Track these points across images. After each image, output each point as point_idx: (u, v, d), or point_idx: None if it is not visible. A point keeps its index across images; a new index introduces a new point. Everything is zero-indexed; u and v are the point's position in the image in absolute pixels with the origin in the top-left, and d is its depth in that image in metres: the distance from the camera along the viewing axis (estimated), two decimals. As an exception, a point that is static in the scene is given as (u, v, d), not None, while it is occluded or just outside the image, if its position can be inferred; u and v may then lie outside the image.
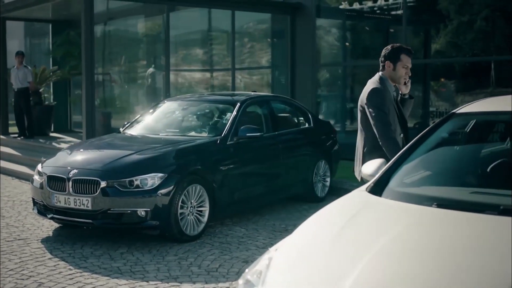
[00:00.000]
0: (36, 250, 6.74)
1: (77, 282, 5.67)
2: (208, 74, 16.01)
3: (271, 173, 8.50)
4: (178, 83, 15.31)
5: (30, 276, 5.86)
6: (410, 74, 5.24)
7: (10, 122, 15.80)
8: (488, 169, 4.13)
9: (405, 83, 5.24)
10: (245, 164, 8.01)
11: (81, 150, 7.69)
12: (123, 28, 16.83)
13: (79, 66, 13.98)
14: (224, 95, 10.26)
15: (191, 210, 7.07)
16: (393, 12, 14.14)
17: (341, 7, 15.04)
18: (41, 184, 7.23)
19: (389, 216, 3.24)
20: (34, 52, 24.40)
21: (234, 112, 8.15)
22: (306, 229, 3.29)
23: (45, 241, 7.11)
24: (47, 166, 7.36)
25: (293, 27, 14.72)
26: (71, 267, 6.12)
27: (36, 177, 7.47)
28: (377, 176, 3.79)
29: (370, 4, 14.38)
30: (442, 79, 14.45)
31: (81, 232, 7.38)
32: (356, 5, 14.49)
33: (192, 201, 7.10)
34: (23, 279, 5.76)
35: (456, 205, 3.26)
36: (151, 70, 15.15)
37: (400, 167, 3.85)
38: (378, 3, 14.15)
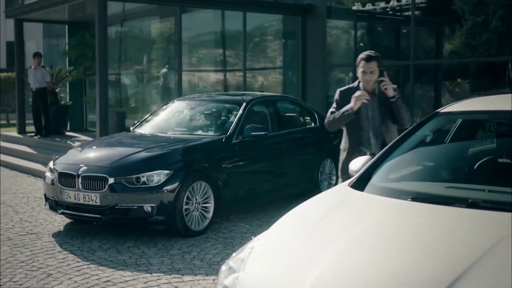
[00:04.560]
0: (47, 243, 7.03)
1: (83, 274, 5.94)
2: (220, 75, 16.27)
3: (276, 171, 8.72)
4: (190, 83, 15.58)
5: (40, 267, 6.14)
6: (382, 78, 5.51)
7: (27, 121, 16.17)
8: (468, 166, 4.33)
9: (386, 88, 5.49)
10: (250, 162, 8.24)
11: (91, 148, 7.96)
12: (136, 29, 17.13)
13: (93, 67, 14.30)
14: (231, 95, 10.50)
15: (196, 206, 7.32)
16: (403, 13, 14.28)
17: (353, 8, 15.23)
18: (53, 180, 7.52)
19: (365, 208, 3.46)
20: (52, 52, 24.79)
21: (240, 112, 8.38)
22: (287, 220, 3.52)
23: (56, 235, 7.39)
24: (59, 163, 7.65)
25: (304, 28, 14.94)
26: (79, 260, 6.39)
27: (48, 173, 7.76)
28: (359, 172, 4.01)
29: (381, 5, 14.55)
30: (458, 79, 14.56)
31: (91, 227, 7.65)
32: (367, 6, 14.67)
33: (197, 197, 7.34)
34: (33, 271, 6.04)
35: (429, 199, 3.47)
36: (164, 70, 15.42)
37: (383, 163, 4.06)
38: (390, 4, 14.31)
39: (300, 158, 9.11)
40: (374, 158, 4.15)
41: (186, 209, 7.18)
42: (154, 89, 16.24)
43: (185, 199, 7.15)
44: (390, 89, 5.48)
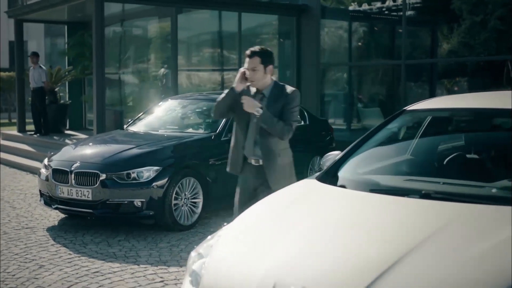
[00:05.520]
0: (41, 237, 7.29)
1: (74, 265, 6.20)
2: (216, 74, 16.51)
3: (265, 168, 8.94)
4: (187, 83, 15.82)
5: (33, 259, 6.41)
6: (243, 98, 5.06)
7: (27, 120, 16.45)
8: (436, 161, 4.58)
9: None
10: (239, 159, 8.47)
11: (84, 145, 8.24)
12: (133, 29, 17.38)
13: (91, 66, 14.57)
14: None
15: (185, 202, 7.58)
16: (398, 13, 14.49)
17: (345, 7, 15.49)
18: (47, 176, 7.79)
19: (326, 199, 3.71)
20: (54, 52, 25.05)
21: (230, 110, 8.61)
22: (254, 210, 3.78)
23: (50, 229, 7.66)
24: (53, 160, 7.92)
25: (299, 28, 15.17)
26: (71, 252, 6.66)
27: (43, 170, 8.03)
28: (327, 166, 4.26)
29: (376, 5, 14.76)
30: (457, 78, 14.74)
31: (85, 222, 7.91)
32: (361, 6, 14.90)
33: (186, 193, 7.60)
34: (26, 262, 6.30)
35: (387, 190, 3.72)
36: (162, 70, 15.66)
37: (350, 158, 4.31)
38: (384, 4, 14.53)
39: (290, 155, 9.32)
40: (342, 153, 4.39)
41: (175, 204, 7.43)
42: (152, 88, 16.47)
43: (174, 195, 7.41)
44: (248, 107, 5.00)
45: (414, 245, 2.89)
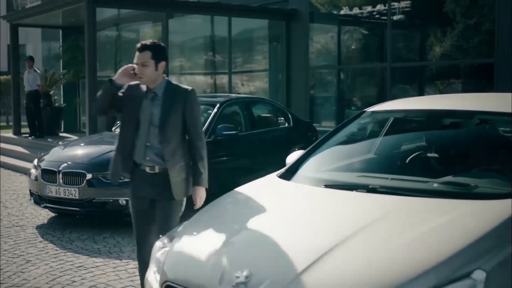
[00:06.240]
0: (30, 235, 7.60)
1: (59, 260, 6.52)
2: (206, 78, 16.83)
3: (248, 168, 9.25)
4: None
5: (21, 255, 6.72)
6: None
7: (22, 123, 16.77)
8: (396, 160, 4.88)
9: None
10: (222, 160, 8.80)
11: (73, 146, 8.57)
12: (126, 34, 17.69)
13: (83, 70, 14.89)
14: (207, 96, 11.07)
15: (168, 200, 7.87)
16: (385, 17, 14.79)
17: (335, 12, 15.80)
18: (36, 176, 8.11)
19: (280, 193, 4.04)
20: (50, 56, 25.38)
21: (213, 112, 8.94)
22: (216, 203, 4.11)
23: (40, 227, 7.97)
24: (42, 160, 8.24)
25: (288, 32, 15.51)
26: (57, 248, 6.97)
27: (32, 170, 8.36)
28: (288, 164, 4.57)
29: (367, 9, 15.06)
30: (435, 81, 15.00)
31: (73, 220, 8.23)
32: (348, 10, 15.21)
33: (170, 192, 7.89)
34: (14, 258, 6.62)
35: (339, 185, 4.02)
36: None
37: (311, 157, 4.61)
38: (371, 8, 14.83)
39: (272, 156, 9.62)
40: (304, 152, 4.69)
41: (159, 203, 7.73)
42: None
43: (158, 194, 7.70)
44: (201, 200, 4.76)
45: (351, 234, 3.19)
